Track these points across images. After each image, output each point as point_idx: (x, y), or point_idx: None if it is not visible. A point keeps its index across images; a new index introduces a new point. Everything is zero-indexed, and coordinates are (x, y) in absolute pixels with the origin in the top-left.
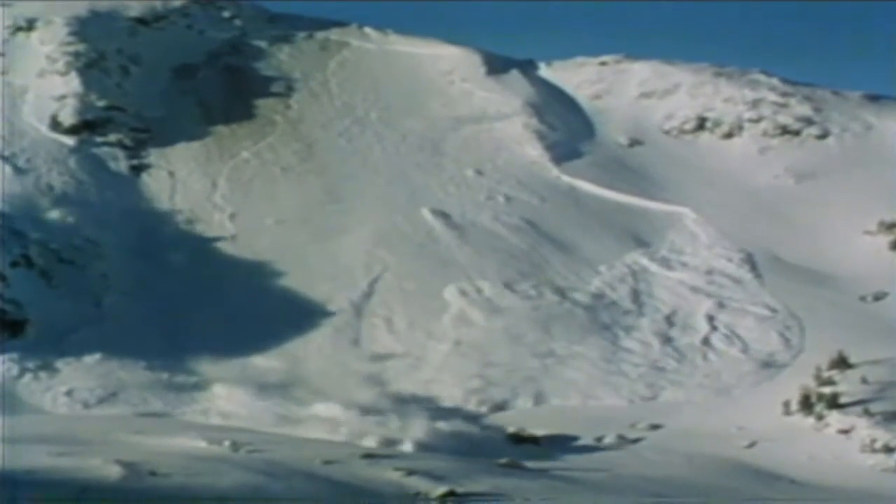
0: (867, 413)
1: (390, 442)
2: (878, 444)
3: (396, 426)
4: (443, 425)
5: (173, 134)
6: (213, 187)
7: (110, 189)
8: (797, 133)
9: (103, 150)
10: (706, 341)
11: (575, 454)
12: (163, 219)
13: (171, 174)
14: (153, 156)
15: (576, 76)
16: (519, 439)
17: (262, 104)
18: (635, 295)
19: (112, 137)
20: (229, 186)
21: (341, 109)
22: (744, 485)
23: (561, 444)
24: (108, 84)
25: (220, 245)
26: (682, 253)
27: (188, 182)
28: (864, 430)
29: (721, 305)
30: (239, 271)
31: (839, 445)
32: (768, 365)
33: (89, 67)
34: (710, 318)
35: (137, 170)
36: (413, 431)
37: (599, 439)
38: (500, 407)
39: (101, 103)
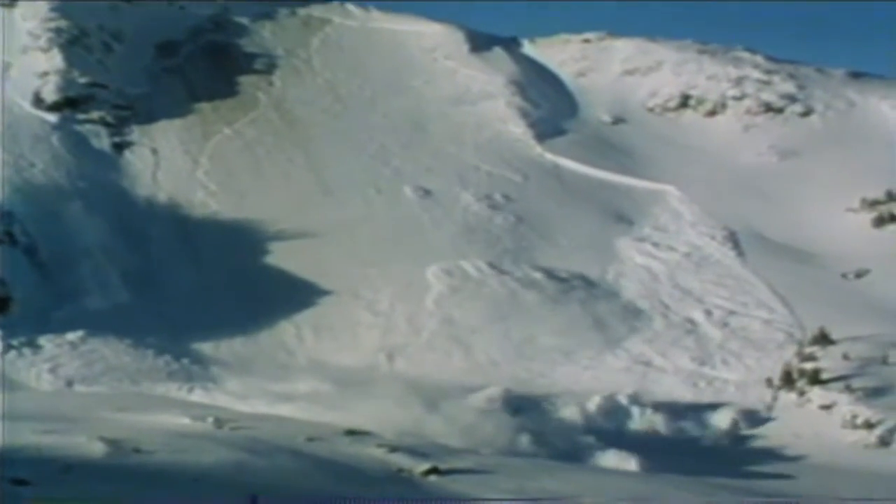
0: (848, 389)
1: (375, 421)
2: (860, 421)
3: (381, 405)
4: (428, 405)
5: (156, 111)
6: (196, 164)
7: (93, 166)
8: (781, 111)
9: (86, 128)
10: (690, 318)
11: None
12: (146, 196)
13: (154, 151)
14: (136, 133)
15: (559, 53)
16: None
17: (245, 81)
18: (618, 272)
19: (94, 114)
20: (212, 164)
21: (324, 87)
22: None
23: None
24: (91, 61)
25: (204, 222)
26: (665, 231)
27: (171, 159)
28: (846, 406)
29: (704, 282)
30: (223, 249)
31: (821, 421)
32: (750, 341)
33: (71, 44)
34: (693, 295)
35: (120, 147)
36: (397, 411)
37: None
38: (484, 386)
39: (84, 80)
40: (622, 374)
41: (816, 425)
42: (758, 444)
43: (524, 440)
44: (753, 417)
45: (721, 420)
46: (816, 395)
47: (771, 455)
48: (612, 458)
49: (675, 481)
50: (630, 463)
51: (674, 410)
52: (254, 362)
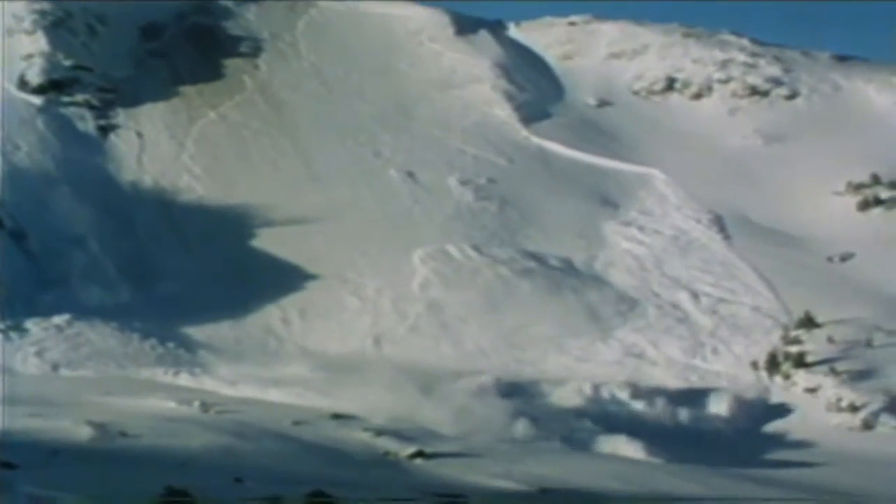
0: (833, 372)
1: (366, 407)
2: (844, 403)
3: (372, 391)
4: (420, 390)
5: (140, 94)
6: (182, 148)
7: (78, 150)
8: (766, 94)
9: (70, 111)
10: (679, 306)
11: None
12: (131, 180)
13: (139, 135)
14: (121, 116)
15: (545, 36)
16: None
17: (230, 64)
18: (605, 257)
19: (79, 97)
20: (197, 147)
21: (309, 70)
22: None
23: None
24: (75, 44)
25: (190, 207)
26: (651, 215)
27: (156, 143)
28: (831, 389)
29: (691, 267)
30: (208, 233)
31: (806, 404)
32: (739, 328)
33: (56, 27)
34: (681, 281)
35: (105, 130)
36: (389, 396)
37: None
38: (473, 371)
39: (68, 63)
40: (614, 366)
41: (801, 408)
42: (757, 431)
43: (521, 425)
44: (748, 405)
45: (717, 407)
46: (802, 378)
47: (777, 443)
48: (613, 444)
49: (672, 468)
50: (629, 448)
51: (670, 397)
52: (241, 347)
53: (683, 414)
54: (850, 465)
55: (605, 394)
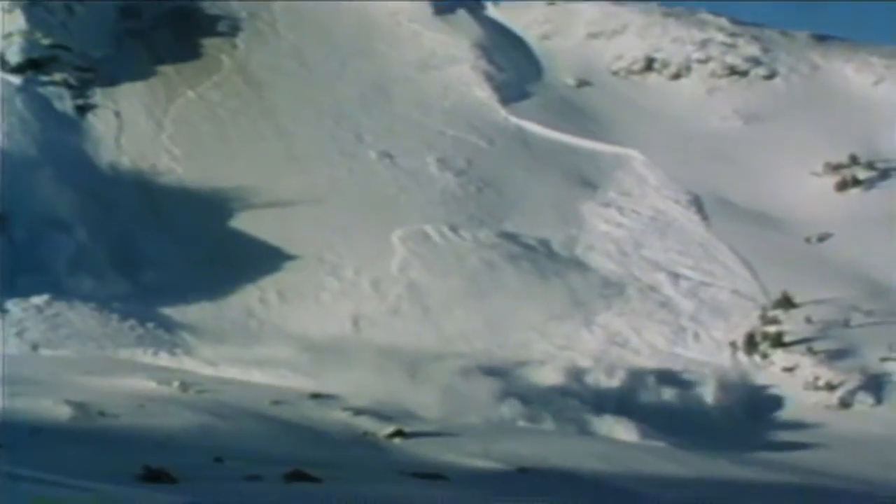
0: (811, 351)
1: (343, 386)
2: (821, 382)
3: (355, 372)
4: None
5: (118, 74)
6: (160, 128)
7: (57, 129)
8: (745, 74)
9: (48, 90)
10: (653, 284)
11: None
12: (110, 160)
13: (117, 114)
14: (98, 96)
15: (523, 16)
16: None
17: (209, 44)
18: (584, 239)
19: (57, 76)
20: (176, 128)
21: (288, 50)
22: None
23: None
24: (53, 23)
25: (169, 187)
26: (629, 195)
27: (134, 123)
28: (808, 368)
29: (670, 249)
30: (188, 214)
31: (783, 383)
32: (720, 311)
33: (34, 5)
34: (660, 263)
35: (83, 110)
36: (366, 376)
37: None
38: (447, 351)
39: (47, 42)
40: (598, 352)
41: (779, 387)
42: (738, 412)
43: (508, 406)
44: (730, 387)
45: (701, 389)
46: (779, 357)
47: (760, 423)
48: (602, 425)
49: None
50: (619, 429)
51: (655, 380)
52: (220, 327)
53: (668, 396)
54: (840, 446)
55: (591, 375)
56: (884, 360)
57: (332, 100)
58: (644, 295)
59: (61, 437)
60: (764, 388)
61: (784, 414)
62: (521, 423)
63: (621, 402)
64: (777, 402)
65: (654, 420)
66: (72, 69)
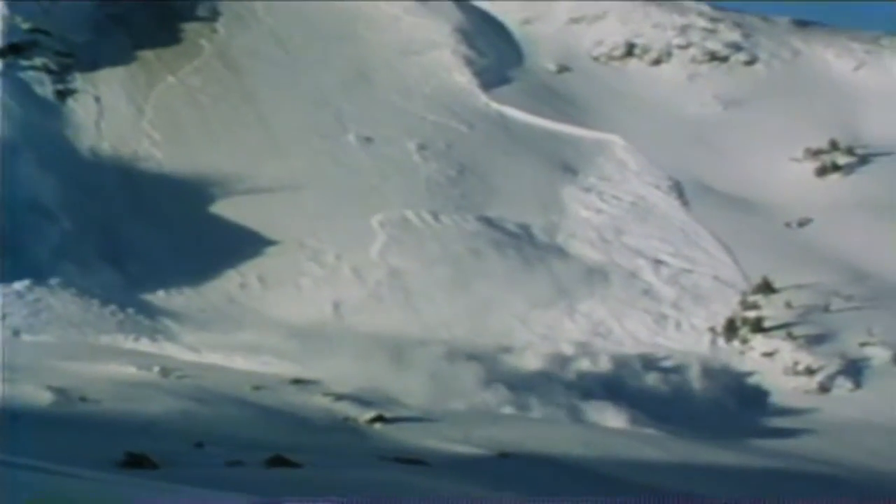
0: (790, 337)
1: (326, 371)
2: (801, 367)
3: (331, 356)
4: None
5: (99, 58)
6: (141, 114)
7: (37, 114)
8: (725, 59)
9: (29, 75)
10: (634, 270)
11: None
12: (90, 146)
13: (98, 99)
14: (79, 81)
15: (504, 1)
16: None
17: (189, 29)
18: (565, 224)
19: (37, 61)
20: (156, 113)
21: (268, 35)
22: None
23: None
24: (33, 7)
25: (149, 173)
26: (610, 181)
27: (115, 108)
28: (788, 353)
29: (651, 236)
30: (168, 200)
31: (763, 368)
32: (696, 293)
33: None
34: (642, 250)
35: (63, 95)
36: (349, 362)
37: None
38: (428, 336)
39: (26, 26)
40: (568, 324)
41: (758, 372)
42: (720, 398)
43: (493, 392)
44: (713, 373)
45: (684, 376)
46: (759, 342)
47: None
48: (590, 411)
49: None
50: (607, 415)
51: (639, 367)
52: (201, 313)
53: (653, 383)
54: (824, 431)
55: (576, 362)
56: (863, 344)
57: (312, 85)
58: (626, 282)
59: (42, 423)
60: (747, 374)
61: (767, 399)
62: (508, 409)
63: (607, 389)
64: (759, 387)
65: (640, 406)
66: (52, 54)
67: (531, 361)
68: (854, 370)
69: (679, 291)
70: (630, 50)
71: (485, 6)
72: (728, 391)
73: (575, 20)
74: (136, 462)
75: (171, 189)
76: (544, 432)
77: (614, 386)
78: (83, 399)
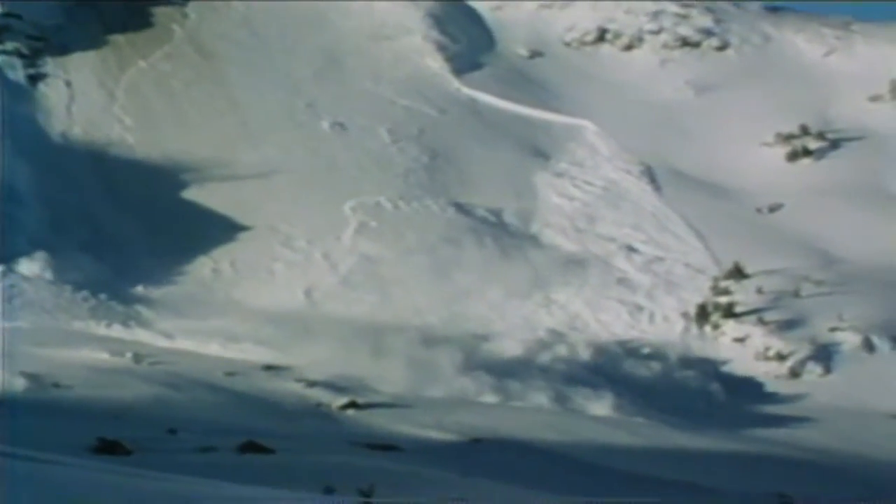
0: (762, 322)
1: (297, 357)
2: (772, 352)
3: (303, 343)
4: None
5: (70, 43)
6: (112, 98)
7: (9, 98)
8: (697, 45)
9: (0, 59)
10: (606, 255)
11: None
12: (61, 130)
13: (69, 84)
14: (50, 65)
15: None
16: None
17: (159, 13)
18: (537, 209)
19: (9, 45)
20: (127, 97)
21: (239, 20)
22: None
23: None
24: None
25: (121, 158)
26: (582, 166)
27: (86, 92)
28: (759, 338)
29: (623, 223)
30: (140, 185)
31: (734, 353)
32: (669, 280)
33: None
34: (614, 236)
35: (35, 79)
36: (321, 349)
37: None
38: (401, 323)
39: None
40: (538, 310)
41: (730, 357)
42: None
43: (476, 379)
44: (686, 360)
45: (658, 365)
46: (730, 327)
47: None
48: (579, 397)
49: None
50: (588, 402)
51: (616, 353)
52: (173, 299)
53: (630, 370)
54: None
55: (553, 349)
56: (833, 329)
57: (284, 70)
58: (600, 271)
59: (16, 408)
60: (719, 360)
61: (739, 385)
62: (490, 396)
63: (589, 376)
64: (731, 373)
65: (622, 394)
66: (24, 38)
67: (510, 347)
68: (824, 355)
69: (653, 279)
70: (602, 35)
71: None
72: (703, 377)
73: (546, 5)
74: (108, 448)
75: (143, 174)
76: (516, 418)
77: (596, 373)
78: (56, 385)
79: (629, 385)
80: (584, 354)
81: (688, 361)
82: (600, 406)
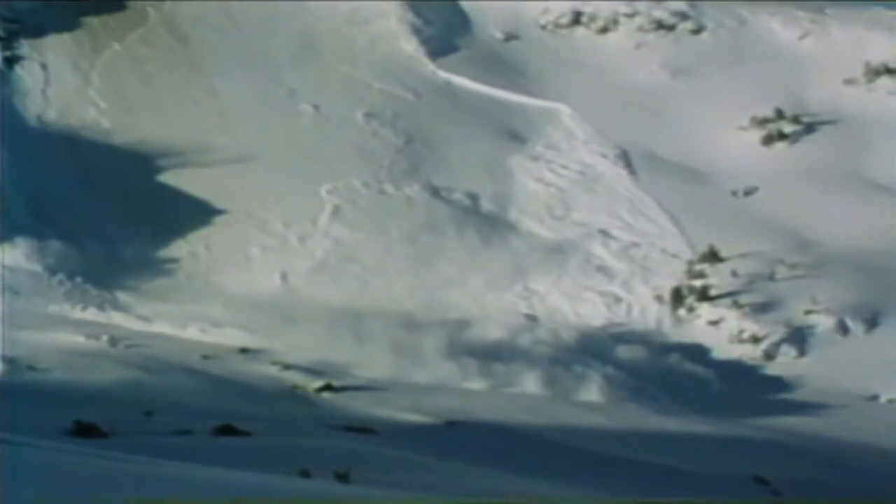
0: (736, 305)
1: (275, 340)
2: (746, 335)
3: (280, 326)
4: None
5: (44, 25)
6: (87, 81)
7: None
8: (672, 28)
9: None
10: (584, 246)
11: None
12: (37, 113)
13: (44, 67)
14: (25, 47)
15: None
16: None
17: None
18: (512, 192)
19: None
20: (102, 80)
21: (214, 5)
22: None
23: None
24: None
25: (97, 141)
26: (557, 149)
27: (61, 76)
28: (733, 321)
29: (598, 208)
30: (115, 168)
31: (709, 336)
32: (646, 265)
33: None
34: (590, 223)
35: (10, 62)
36: (298, 332)
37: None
38: (378, 307)
39: None
40: (511, 293)
41: (704, 340)
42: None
43: (460, 363)
44: (644, 331)
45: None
46: (705, 310)
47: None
48: (569, 380)
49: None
50: (579, 388)
51: (599, 339)
52: (149, 282)
53: (610, 355)
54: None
55: (535, 333)
56: (808, 312)
57: (260, 53)
58: (578, 259)
59: None
60: (693, 343)
61: (712, 367)
62: (476, 381)
63: (569, 360)
64: (706, 355)
65: (608, 378)
66: None
67: (494, 331)
68: (799, 338)
69: (629, 265)
70: (577, 18)
71: None
72: (678, 360)
73: None
74: (84, 431)
75: (118, 158)
76: (492, 401)
77: (581, 357)
78: (32, 368)
79: (617, 368)
80: (569, 338)
81: (670, 346)
82: (588, 390)
